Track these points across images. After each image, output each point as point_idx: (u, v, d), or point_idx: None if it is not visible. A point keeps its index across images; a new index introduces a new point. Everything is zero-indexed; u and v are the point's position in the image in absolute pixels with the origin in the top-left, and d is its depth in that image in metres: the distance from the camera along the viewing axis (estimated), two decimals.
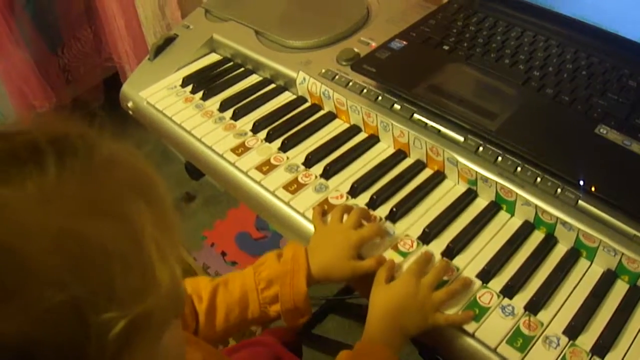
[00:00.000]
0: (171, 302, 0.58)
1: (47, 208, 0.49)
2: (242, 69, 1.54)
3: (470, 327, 0.93)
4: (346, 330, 2.14)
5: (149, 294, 0.53)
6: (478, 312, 0.94)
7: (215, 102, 1.42)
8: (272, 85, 1.46)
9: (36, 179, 0.49)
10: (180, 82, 1.49)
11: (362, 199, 1.14)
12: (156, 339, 0.58)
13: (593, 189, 1.00)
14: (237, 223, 2.64)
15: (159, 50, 1.60)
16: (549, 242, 1.04)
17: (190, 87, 1.47)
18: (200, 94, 1.44)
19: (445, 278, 0.99)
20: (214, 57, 1.60)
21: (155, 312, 0.54)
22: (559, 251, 1.04)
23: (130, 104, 1.49)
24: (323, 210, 1.11)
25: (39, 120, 0.58)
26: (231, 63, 1.56)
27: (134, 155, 0.61)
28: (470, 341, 0.93)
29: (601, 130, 1.10)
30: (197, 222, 2.68)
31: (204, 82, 1.48)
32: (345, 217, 1.08)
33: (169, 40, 1.62)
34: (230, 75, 1.52)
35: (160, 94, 1.46)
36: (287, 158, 1.24)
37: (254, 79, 1.50)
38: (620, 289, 0.98)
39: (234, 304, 1.03)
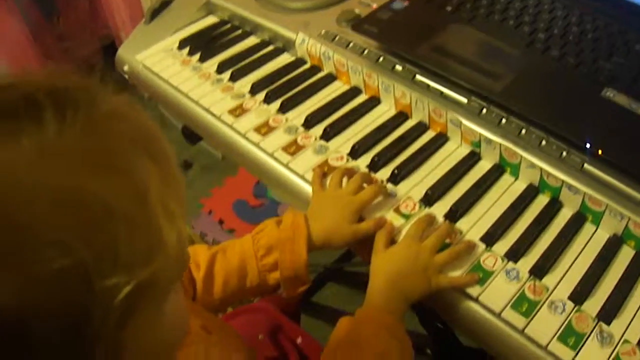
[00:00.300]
0: (177, 264, 0.56)
1: (45, 165, 0.47)
2: (240, 31, 1.50)
3: (474, 291, 0.91)
4: (345, 298, 2.14)
5: (155, 256, 0.51)
6: (482, 276, 0.92)
7: (212, 64, 1.38)
8: (271, 47, 1.43)
9: (33, 135, 0.47)
10: (177, 44, 1.46)
11: (363, 161, 1.12)
12: (160, 302, 0.55)
13: (600, 152, 0.98)
14: (234, 191, 2.63)
15: (155, 13, 1.56)
16: (553, 206, 1.02)
17: (187, 50, 1.44)
18: (198, 56, 1.41)
19: (447, 241, 0.97)
20: (210, 20, 1.56)
21: (161, 275, 0.51)
22: (564, 215, 1.02)
23: (126, 68, 1.46)
24: (323, 172, 1.09)
25: (36, 73, 0.54)
26: (228, 25, 1.53)
27: (136, 109, 0.58)
28: (473, 306, 0.91)
29: (608, 93, 1.08)
30: (195, 190, 2.67)
31: (202, 45, 1.44)
32: (344, 180, 1.06)
33: (165, 4, 1.58)
34: (228, 37, 1.48)
35: (156, 57, 1.43)
36: (286, 120, 1.21)
37: (252, 41, 1.46)
38: (626, 254, 0.96)
39: (232, 272, 1.01)
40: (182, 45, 1.45)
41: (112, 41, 2.93)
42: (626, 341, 0.84)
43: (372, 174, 1.09)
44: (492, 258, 0.95)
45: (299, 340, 1.20)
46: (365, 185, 1.05)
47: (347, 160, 1.12)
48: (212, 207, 2.58)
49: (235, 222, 2.52)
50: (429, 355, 1.64)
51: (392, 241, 0.98)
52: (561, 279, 0.92)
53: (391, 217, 1.02)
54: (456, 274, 0.93)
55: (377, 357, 0.87)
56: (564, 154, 1.01)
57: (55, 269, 0.44)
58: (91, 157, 0.49)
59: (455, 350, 1.49)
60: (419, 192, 1.05)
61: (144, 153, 0.53)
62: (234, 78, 1.33)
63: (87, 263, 0.45)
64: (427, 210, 1.03)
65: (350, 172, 1.07)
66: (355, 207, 1.00)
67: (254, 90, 1.29)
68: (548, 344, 0.84)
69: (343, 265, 2.15)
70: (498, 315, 0.88)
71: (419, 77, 1.18)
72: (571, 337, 0.85)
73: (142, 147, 0.54)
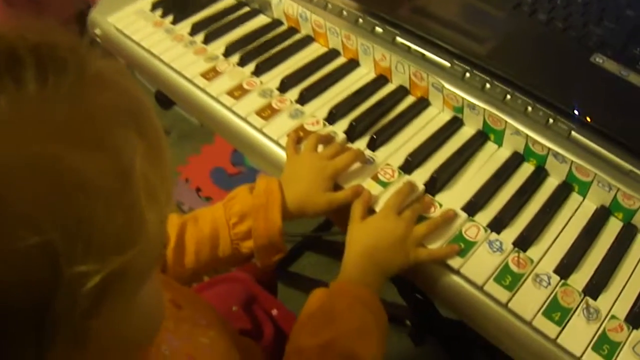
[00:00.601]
0: (155, 249, 0.52)
1: (21, 130, 0.42)
2: None
3: (455, 263, 0.88)
4: (323, 267, 2.12)
5: (133, 243, 0.46)
6: (464, 247, 0.89)
7: (185, 25, 1.34)
8: (246, 9, 1.38)
9: (11, 94, 0.42)
10: (149, 6, 1.41)
11: (341, 126, 1.08)
12: (135, 291, 0.52)
13: (588, 119, 0.95)
14: (212, 158, 2.59)
15: None
16: (539, 175, 1.00)
17: (159, 11, 1.38)
18: (171, 17, 1.36)
19: (427, 215, 0.94)
20: None
21: (137, 262, 0.47)
22: (550, 185, 0.99)
23: (97, 31, 1.41)
24: (298, 137, 1.05)
25: (22, 25, 0.48)
26: None
27: (125, 75, 0.53)
28: (455, 278, 0.88)
29: (597, 59, 1.05)
30: (171, 158, 2.59)
31: (175, 6, 1.39)
32: (320, 147, 1.02)
33: None
34: None
35: (128, 19, 1.37)
36: (261, 82, 1.17)
37: (227, 2, 1.41)
38: (613, 226, 0.94)
39: (204, 241, 0.97)
40: (155, 6, 1.40)
41: (88, 6, 2.87)
42: (613, 317, 0.83)
43: (349, 141, 1.06)
44: (475, 228, 0.92)
45: (274, 312, 1.17)
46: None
47: (324, 125, 1.08)
48: (188, 175, 2.54)
49: (212, 190, 2.48)
50: (409, 327, 1.63)
51: (370, 211, 0.95)
52: (546, 251, 0.90)
53: (369, 185, 0.98)
54: (436, 245, 0.90)
55: (353, 333, 0.84)
56: (551, 120, 0.98)
57: (20, 247, 0.40)
58: (73, 126, 0.44)
59: (435, 322, 1.47)
60: (399, 159, 1.01)
61: (132, 125, 0.49)
62: (207, 40, 1.29)
63: (56, 245, 0.41)
64: (406, 178, 0.99)
65: (326, 139, 1.03)
66: (329, 172, 0.96)
67: (228, 52, 1.25)
68: (532, 319, 0.82)
69: (321, 234, 2.14)
70: (480, 289, 0.86)
71: (399, 39, 1.13)
72: (556, 312, 0.83)
73: (130, 119, 0.49)
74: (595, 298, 0.84)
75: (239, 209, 0.96)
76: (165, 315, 0.69)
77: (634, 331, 0.81)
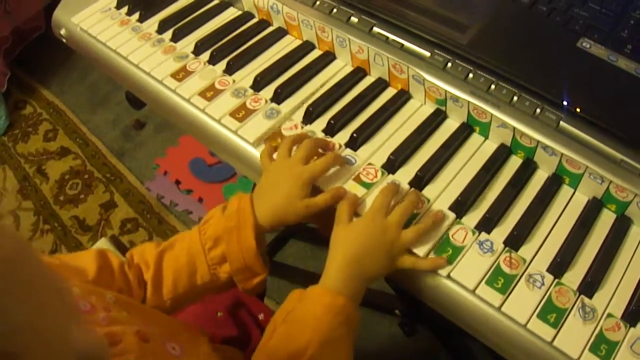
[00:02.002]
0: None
1: None
2: None
3: (443, 271, 0.86)
4: (307, 254, 2.10)
5: None
6: (451, 252, 0.87)
7: (153, 23, 1.30)
8: (215, 2, 1.34)
9: None
10: (114, 3, 1.37)
11: (319, 125, 1.05)
12: None
13: (578, 109, 0.92)
14: (190, 149, 2.56)
15: None
16: (528, 168, 0.97)
17: (125, 9, 1.35)
18: (137, 15, 1.32)
19: (415, 211, 0.91)
20: None
21: None
22: (540, 178, 0.97)
23: (63, 32, 1.37)
24: (275, 147, 1.01)
25: None
26: None
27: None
28: (445, 282, 0.86)
29: (584, 44, 1.01)
30: (149, 150, 2.61)
31: (141, 2, 1.35)
32: (294, 149, 0.98)
33: None
34: None
35: (93, 18, 1.33)
36: (234, 81, 1.13)
37: None
38: (607, 219, 0.92)
39: (182, 269, 0.94)
40: (120, 4, 1.36)
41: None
42: (610, 315, 0.81)
43: (329, 138, 1.02)
44: (462, 231, 0.89)
45: (261, 316, 1.16)
46: (320, 152, 0.98)
47: (302, 127, 1.05)
48: (167, 168, 2.52)
49: (192, 182, 2.46)
50: (399, 316, 1.62)
51: (355, 213, 0.92)
52: (539, 249, 0.88)
53: (351, 186, 0.95)
54: (424, 249, 0.87)
55: (318, 345, 0.81)
56: (538, 111, 0.95)
57: None
58: None
59: (426, 312, 1.45)
60: (381, 158, 0.99)
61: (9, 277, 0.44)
62: (176, 37, 1.25)
63: None
64: (390, 178, 0.96)
65: (300, 138, 0.99)
66: (305, 179, 0.93)
67: (198, 50, 1.21)
68: (527, 322, 0.81)
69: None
70: (472, 292, 0.84)
71: (376, 29, 1.10)
72: (552, 313, 0.81)
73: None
74: (590, 296, 0.82)
75: (213, 233, 0.94)
76: (127, 350, 0.67)
77: (632, 329, 0.79)
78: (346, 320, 0.84)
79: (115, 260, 0.92)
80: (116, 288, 0.88)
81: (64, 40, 1.38)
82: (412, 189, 0.94)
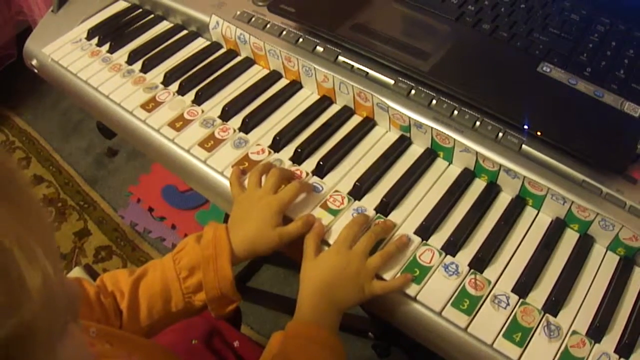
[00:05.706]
0: (52, 307, 0.48)
1: None
2: (152, 15, 1.42)
3: (411, 291, 0.86)
4: (282, 279, 2.10)
5: (16, 306, 0.43)
6: (419, 273, 0.88)
7: (123, 54, 1.31)
8: (184, 32, 1.35)
9: None
10: (85, 34, 1.37)
11: (286, 153, 1.06)
12: (48, 350, 0.48)
13: (539, 133, 0.94)
14: (162, 176, 2.56)
15: (63, 0, 1.46)
16: (491, 191, 0.98)
17: (96, 40, 1.35)
18: (107, 46, 1.33)
19: (383, 236, 0.92)
20: (121, 5, 1.47)
21: (35, 321, 0.44)
22: (503, 200, 0.98)
23: (34, 62, 1.37)
24: (242, 170, 1.02)
25: None
26: (140, 10, 1.44)
27: None
28: (413, 305, 0.87)
29: (544, 68, 1.03)
30: (122, 178, 2.60)
31: (111, 33, 1.36)
32: (264, 178, 0.99)
33: None
34: (139, 23, 1.40)
35: (64, 49, 1.34)
36: (202, 111, 1.14)
37: (164, 26, 1.38)
38: (570, 238, 0.94)
39: (156, 297, 0.94)
40: (90, 35, 1.37)
41: (28, 27, 2.81)
42: (575, 332, 0.82)
43: (296, 167, 1.03)
44: (429, 252, 0.90)
45: (236, 343, 1.15)
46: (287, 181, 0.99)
47: (269, 153, 1.06)
48: (140, 195, 2.51)
49: (165, 209, 2.46)
50: (372, 338, 1.62)
51: (324, 242, 0.93)
52: (503, 270, 0.89)
53: (319, 213, 0.96)
54: (391, 273, 0.88)
55: None
56: (500, 135, 0.97)
57: None
58: None
59: (399, 333, 1.46)
60: (347, 185, 1.00)
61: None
62: (145, 68, 1.25)
63: None
64: (356, 204, 0.97)
65: (268, 168, 1.00)
66: (276, 208, 0.94)
67: (167, 80, 1.22)
68: (494, 342, 0.82)
69: None
70: (439, 314, 0.84)
71: (341, 58, 1.11)
72: (517, 332, 0.82)
73: None
74: (555, 315, 0.83)
75: (188, 262, 0.94)
76: None
77: (596, 345, 0.81)
78: (328, 346, 0.85)
79: (92, 289, 0.91)
80: (95, 318, 0.88)
81: (36, 71, 1.38)
82: (377, 217, 0.95)
